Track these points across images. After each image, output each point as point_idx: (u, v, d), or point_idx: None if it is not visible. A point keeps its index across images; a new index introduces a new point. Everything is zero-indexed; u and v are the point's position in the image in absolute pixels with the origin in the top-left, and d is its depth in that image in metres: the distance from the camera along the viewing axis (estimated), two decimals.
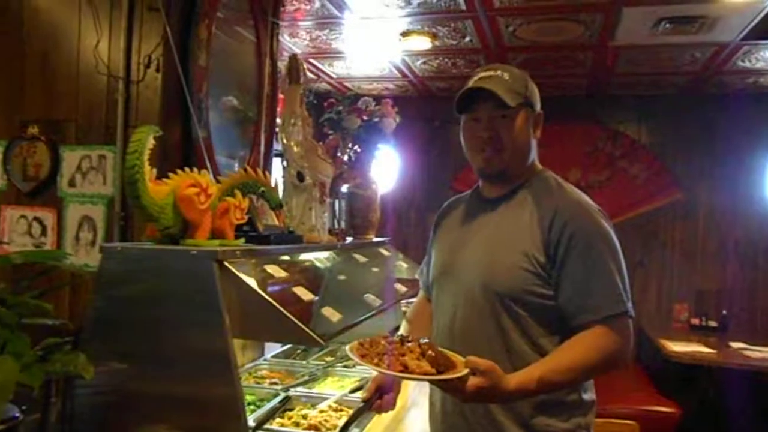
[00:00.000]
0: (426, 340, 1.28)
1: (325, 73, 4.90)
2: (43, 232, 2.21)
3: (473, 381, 1.22)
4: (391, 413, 2.06)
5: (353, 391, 2.21)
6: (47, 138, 2.20)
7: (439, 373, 1.20)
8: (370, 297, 1.93)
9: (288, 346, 2.95)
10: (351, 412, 1.98)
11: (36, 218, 2.22)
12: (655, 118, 5.28)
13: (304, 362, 2.69)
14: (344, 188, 2.72)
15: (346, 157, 2.65)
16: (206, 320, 1.38)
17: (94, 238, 2.16)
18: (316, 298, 1.58)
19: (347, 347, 1.29)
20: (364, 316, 1.76)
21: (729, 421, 3.84)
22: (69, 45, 2.21)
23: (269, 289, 1.44)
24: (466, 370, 1.21)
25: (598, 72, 4.64)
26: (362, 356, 1.24)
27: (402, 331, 1.80)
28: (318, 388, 2.32)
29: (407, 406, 2.17)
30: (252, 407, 2.04)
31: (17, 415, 1.32)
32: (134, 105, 2.12)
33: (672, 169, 5.24)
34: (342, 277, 2.06)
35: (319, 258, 2.07)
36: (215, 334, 1.37)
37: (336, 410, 2.04)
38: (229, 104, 2.67)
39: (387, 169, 4.27)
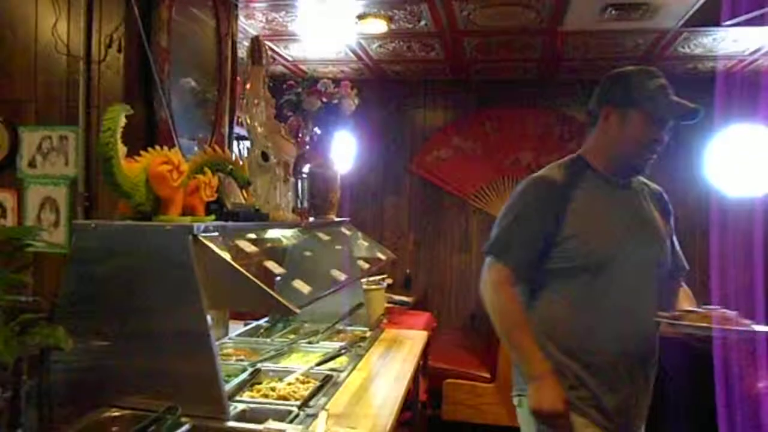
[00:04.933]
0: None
1: (281, 56, 4.89)
2: (3, 214, 2.19)
3: None
4: (357, 383, 2.15)
5: (319, 364, 2.28)
6: (5, 118, 2.18)
7: None
8: (335, 272, 2.01)
9: (251, 325, 3.00)
10: (317, 383, 2.06)
11: None
12: None
13: (268, 340, 2.74)
14: (305, 169, 2.77)
15: (307, 138, 2.70)
16: (182, 293, 1.43)
17: (57, 218, 2.16)
18: (286, 271, 1.64)
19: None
20: (331, 289, 1.83)
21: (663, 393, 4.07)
22: (26, 24, 2.18)
23: (242, 262, 1.50)
24: None
25: (548, 57, 4.79)
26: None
27: (528, 333, 1.75)
28: (284, 363, 2.38)
29: (371, 376, 2.26)
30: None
31: None
32: (96, 85, 2.12)
33: None
34: (308, 254, 2.13)
35: (285, 235, 2.13)
36: (192, 306, 1.43)
37: (303, 382, 2.11)
38: (188, 86, 2.68)
39: (344, 151, 4.34)
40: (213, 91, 2.79)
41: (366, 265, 2.50)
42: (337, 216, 3.01)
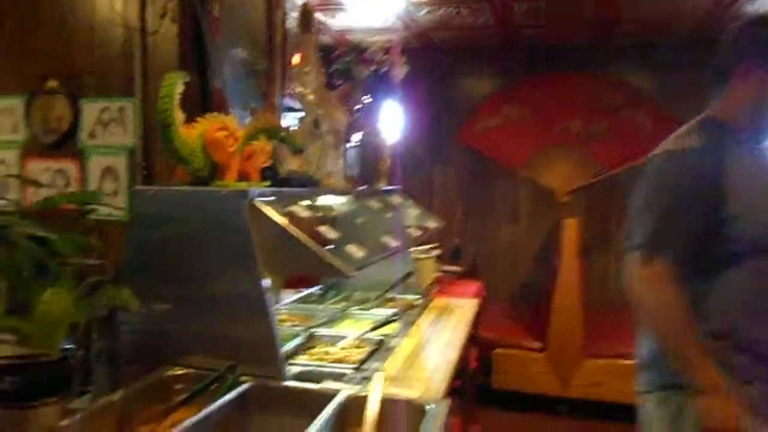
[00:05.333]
0: None
1: (327, 26, 4.88)
2: (67, 184, 2.27)
3: None
4: (409, 348, 2.17)
5: (372, 329, 2.30)
6: (67, 91, 2.25)
7: None
8: (387, 238, 2.01)
9: (304, 293, 3.05)
10: (371, 347, 2.08)
11: (59, 170, 2.29)
12: (657, 65, 5.26)
13: (320, 306, 2.78)
14: (356, 137, 2.77)
15: (356, 107, 2.70)
16: (239, 257, 1.46)
17: (117, 188, 2.23)
18: (339, 236, 1.66)
19: None
20: (383, 255, 1.84)
21: None
22: (85, 2, 2.23)
23: (296, 227, 1.52)
24: None
25: (601, 20, 4.62)
26: None
27: (694, 337, 1.55)
28: (337, 329, 2.42)
29: (423, 342, 2.27)
30: None
31: (70, 347, 1.41)
32: (151, 56, 2.16)
33: (678, 118, 5.22)
34: (360, 220, 2.13)
35: (337, 202, 2.14)
36: (248, 269, 1.46)
37: (357, 347, 2.14)
38: (239, 57, 2.70)
39: (393, 120, 4.30)
40: (264, 62, 2.80)
41: (416, 233, 2.50)
42: (387, 185, 3.01)
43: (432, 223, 2.92)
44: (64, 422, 1.14)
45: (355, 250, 1.63)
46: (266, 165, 1.71)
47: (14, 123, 2.33)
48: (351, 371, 1.80)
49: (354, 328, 2.43)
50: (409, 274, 3.02)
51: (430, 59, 5.54)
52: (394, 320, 2.43)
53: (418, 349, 2.20)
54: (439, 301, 2.99)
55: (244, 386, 1.39)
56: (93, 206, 1.46)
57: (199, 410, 1.26)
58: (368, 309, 2.71)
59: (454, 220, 5.53)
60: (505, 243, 5.55)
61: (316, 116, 2.16)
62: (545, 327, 4.22)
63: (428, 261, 3.16)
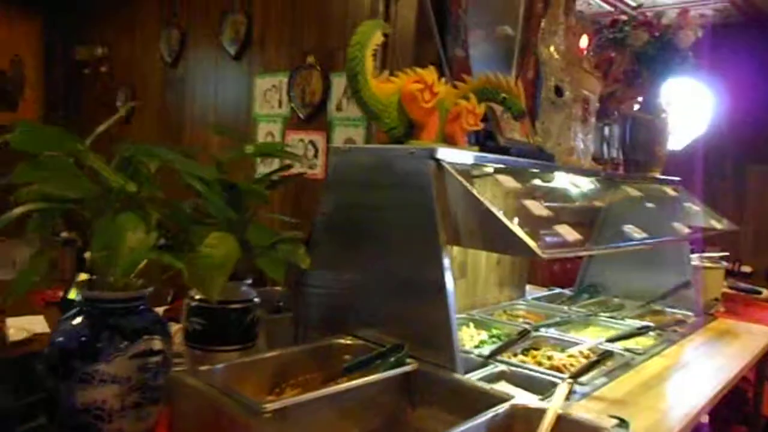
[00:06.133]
0: None
1: (624, 2, 4.35)
2: (316, 155, 2.39)
3: None
4: (654, 369, 1.73)
5: (611, 340, 1.91)
6: (321, 66, 2.35)
7: None
8: (631, 228, 1.62)
9: (552, 291, 2.73)
10: (599, 359, 1.71)
11: (311, 141, 2.41)
12: None
13: (565, 308, 2.44)
14: (624, 114, 2.35)
15: (621, 75, 2.28)
16: (420, 225, 1.29)
17: None
18: (551, 214, 1.36)
19: None
20: (615, 244, 1.47)
21: None
22: None
23: (491, 196, 1.28)
24: None
25: None
26: None
27: None
28: (574, 333, 2.08)
29: (677, 365, 1.80)
30: (494, 340, 1.91)
31: (256, 300, 1.40)
32: (392, 23, 2.12)
33: None
34: (597, 204, 1.77)
35: (572, 182, 1.81)
36: (429, 240, 1.28)
37: (586, 357, 1.79)
38: (503, 33, 2.51)
39: (689, 101, 3.60)
40: (519, 34, 2.58)
41: (687, 231, 2.00)
42: (662, 174, 2.51)
43: (718, 225, 2.33)
44: (204, 367, 1.11)
45: (567, 231, 1.32)
46: (475, 127, 1.50)
47: (280, 97, 2.54)
48: (563, 382, 1.48)
49: (595, 337, 2.06)
50: (685, 285, 2.47)
51: (759, 36, 4.56)
52: (644, 333, 1.99)
53: (667, 372, 1.74)
54: (722, 323, 2.38)
55: (407, 368, 1.22)
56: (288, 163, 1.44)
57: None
58: (621, 318, 2.28)
59: None
60: None
61: (558, 82, 1.86)
62: None
63: (714, 272, 2.55)
